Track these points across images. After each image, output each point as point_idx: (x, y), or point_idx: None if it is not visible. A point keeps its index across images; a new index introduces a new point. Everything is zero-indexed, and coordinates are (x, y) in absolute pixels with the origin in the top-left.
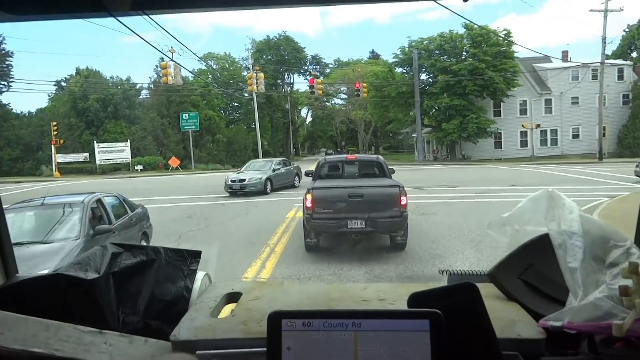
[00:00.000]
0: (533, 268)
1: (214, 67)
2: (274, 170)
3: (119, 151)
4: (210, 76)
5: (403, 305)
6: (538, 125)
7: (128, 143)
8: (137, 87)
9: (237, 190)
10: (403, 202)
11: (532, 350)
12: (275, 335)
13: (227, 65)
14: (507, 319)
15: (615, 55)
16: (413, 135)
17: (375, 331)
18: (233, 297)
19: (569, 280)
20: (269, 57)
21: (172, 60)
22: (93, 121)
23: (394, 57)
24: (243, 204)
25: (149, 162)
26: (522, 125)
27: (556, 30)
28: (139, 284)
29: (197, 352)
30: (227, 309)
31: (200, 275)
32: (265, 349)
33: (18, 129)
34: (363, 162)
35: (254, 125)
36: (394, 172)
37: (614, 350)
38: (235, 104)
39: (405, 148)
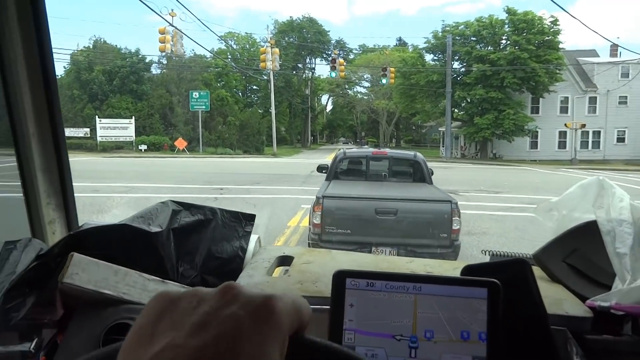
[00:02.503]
0: (578, 252)
1: (234, 47)
2: None
3: (122, 128)
4: (229, 56)
5: None
6: (583, 126)
7: (133, 120)
8: (147, 60)
9: None
10: (456, 227)
11: (578, 328)
12: (340, 292)
13: (247, 46)
14: (554, 297)
15: None
16: (439, 129)
17: (434, 295)
18: (285, 260)
19: (616, 265)
20: (291, 39)
21: (171, 25)
22: (97, 94)
23: (425, 42)
24: (237, 201)
25: (154, 142)
26: (565, 125)
27: (604, 21)
28: (196, 241)
29: None
30: (280, 271)
31: (253, 237)
32: (323, 306)
33: None
34: (396, 159)
35: (271, 109)
36: (432, 173)
37: None
38: (254, 87)
39: (429, 143)
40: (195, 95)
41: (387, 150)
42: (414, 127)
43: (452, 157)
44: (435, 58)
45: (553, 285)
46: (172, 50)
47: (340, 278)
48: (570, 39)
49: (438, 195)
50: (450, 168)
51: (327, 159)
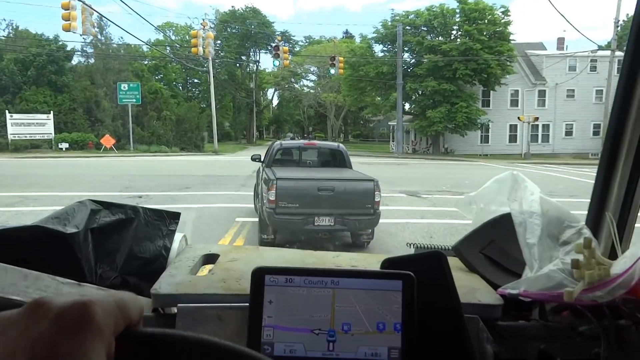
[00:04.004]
0: (494, 244)
1: (173, 37)
2: None
3: (39, 124)
4: (168, 48)
5: None
6: (536, 119)
7: (51, 115)
8: (69, 48)
9: None
10: (377, 199)
11: (490, 315)
12: (259, 289)
13: (188, 37)
14: (469, 287)
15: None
16: (389, 123)
17: (351, 289)
18: (211, 258)
19: (526, 255)
20: (234, 30)
21: None
22: (8, 86)
23: (374, 32)
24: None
25: (77, 140)
26: (518, 118)
27: (550, 15)
28: (117, 241)
29: (179, 305)
30: (205, 270)
31: (178, 236)
32: (245, 304)
33: None
34: (323, 149)
35: (211, 100)
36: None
37: (562, 317)
38: (195, 80)
39: (377, 137)
40: (124, 87)
41: (316, 141)
42: (362, 122)
43: (403, 153)
44: (385, 49)
45: (470, 275)
46: (81, 31)
47: (259, 275)
48: (517, 32)
49: (364, 176)
50: (403, 164)
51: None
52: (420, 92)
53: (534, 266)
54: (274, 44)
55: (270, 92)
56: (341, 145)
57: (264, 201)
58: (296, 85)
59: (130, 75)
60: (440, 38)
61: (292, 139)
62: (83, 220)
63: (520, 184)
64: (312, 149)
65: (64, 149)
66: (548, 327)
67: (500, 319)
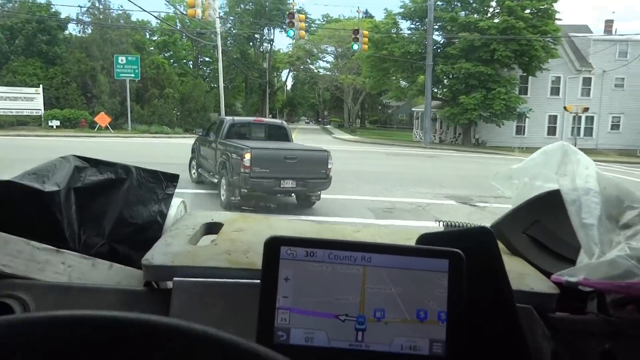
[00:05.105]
0: (540, 224)
1: (184, 12)
2: None
3: (26, 99)
4: (178, 24)
5: None
6: (586, 110)
7: (41, 89)
8: (63, 16)
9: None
10: (330, 166)
11: (544, 305)
12: (273, 263)
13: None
14: (516, 272)
15: None
16: (414, 109)
17: (386, 267)
18: (213, 227)
19: (582, 238)
20: (247, 6)
21: None
22: None
23: (401, 7)
24: None
25: (69, 117)
26: (565, 108)
27: None
28: (105, 203)
29: (175, 279)
30: (206, 240)
31: (176, 201)
32: (255, 280)
33: None
34: (270, 125)
35: (219, 75)
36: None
37: (626, 312)
38: (206, 59)
39: (395, 124)
40: (122, 60)
41: (264, 119)
42: (379, 107)
43: (430, 143)
44: (412, 26)
45: (513, 258)
46: None
47: (274, 246)
48: (560, 12)
49: (317, 147)
50: (434, 157)
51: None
52: (451, 75)
53: (594, 251)
54: (288, 12)
55: (284, 73)
56: (284, 122)
57: (236, 168)
58: (312, 66)
59: (130, 48)
60: (476, 15)
61: (307, 122)
62: (65, 177)
63: (571, 156)
64: (261, 125)
65: (54, 127)
66: (611, 322)
67: (554, 310)
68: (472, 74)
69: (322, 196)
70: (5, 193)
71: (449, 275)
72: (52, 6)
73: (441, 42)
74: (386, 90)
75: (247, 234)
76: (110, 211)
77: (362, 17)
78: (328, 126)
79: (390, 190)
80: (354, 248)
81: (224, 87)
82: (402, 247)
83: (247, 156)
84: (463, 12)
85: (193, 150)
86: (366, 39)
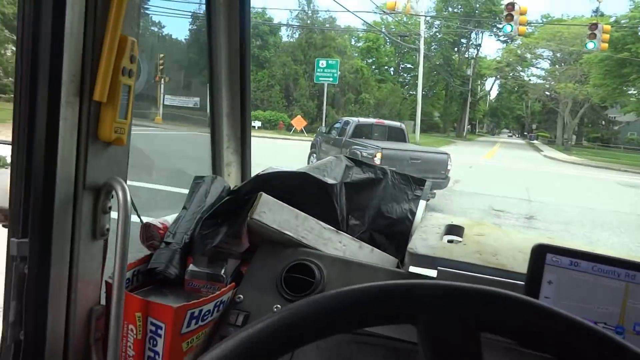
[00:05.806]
0: None
1: (389, 19)
2: None
3: None
4: (383, 29)
5: None
6: None
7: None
8: (275, 22)
9: None
10: (449, 168)
11: None
12: (538, 267)
13: (404, 19)
14: None
15: None
16: None
17: None
18: (454, 229)
19: None
20: (456, 9)
21: None
22: None
23: None
24: None
25: (270, 119)
26: None
27: None
28: (367, 197)
29: (439, 268)
30: (445, 240)
31: (422, 203)
32: (511, 280)
33: None
34: (390, 127)
35: (423, 89)
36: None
37: None
38: (408, 65)
39: (622, 143)
40: (322, 63)
41: (384, 121)
42: (602, 122)
43: None
44: None
45: None
46: None
47: (541, 252)
48: None
49: (438, 150)
50: None
51: (484, 157)
52: None
53: None
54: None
55: (488, 82)
56: (403, 124)
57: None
58: (522, 74)
59: (331, 52)
60: None
61: (510, 136)
62: (339, 173)
63: None
64: (382, 126)
65: (256, 127)
66: None
67: None
68: None
69: None
70: (300, 181)
71: None
72: (266, 12)
73: None
74: (617, 103)
75: (489, 239)
76: (371, 205)
77: (592, 15)
78: (535, 141)
79: None
80: (619, 264)
81: (422, 94)
82: None
83: (378, 155)
84: None
85: (313, 146)
86: (607, 35)
